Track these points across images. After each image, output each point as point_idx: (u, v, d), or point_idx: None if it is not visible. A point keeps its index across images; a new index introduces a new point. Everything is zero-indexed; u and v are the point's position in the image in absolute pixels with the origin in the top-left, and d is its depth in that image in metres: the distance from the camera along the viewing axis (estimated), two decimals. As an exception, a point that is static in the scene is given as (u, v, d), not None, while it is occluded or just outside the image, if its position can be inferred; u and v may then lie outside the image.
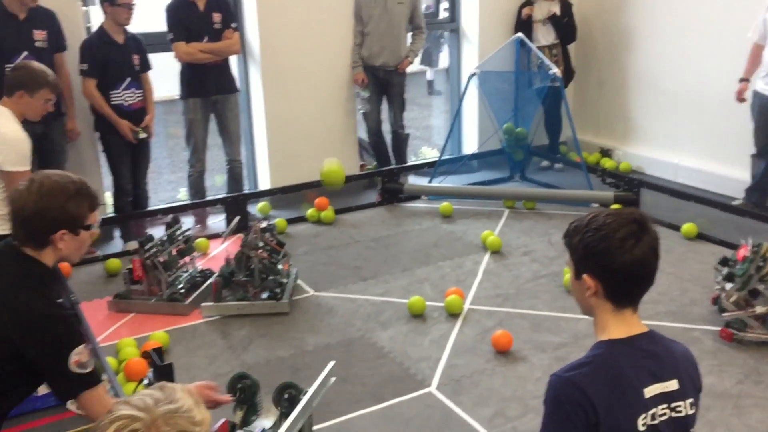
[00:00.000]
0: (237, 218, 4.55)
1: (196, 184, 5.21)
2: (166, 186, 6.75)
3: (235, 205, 5.10)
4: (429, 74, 10.75)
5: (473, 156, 6.30)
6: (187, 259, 4.23)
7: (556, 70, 5.66)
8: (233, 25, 5.00)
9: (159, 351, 2.73)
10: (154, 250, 3.99)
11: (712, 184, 5.68)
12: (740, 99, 5.12)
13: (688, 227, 4.77)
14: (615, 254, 1.62)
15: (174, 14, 4.90)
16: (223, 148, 5.32)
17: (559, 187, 5.80)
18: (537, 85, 6.01)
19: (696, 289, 4.06)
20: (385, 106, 6.03)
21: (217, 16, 4.94)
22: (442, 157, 6.04)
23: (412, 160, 6.77)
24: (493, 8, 6.29)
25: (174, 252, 4.12)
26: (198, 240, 4.80)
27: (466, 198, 5.65)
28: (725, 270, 3.65)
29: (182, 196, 5.85)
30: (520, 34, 5.90)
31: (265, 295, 3.96)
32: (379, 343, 3.62)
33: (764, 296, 3.43)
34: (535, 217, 5.30)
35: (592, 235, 1.66)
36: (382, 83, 5.88)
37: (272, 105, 5.52)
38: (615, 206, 5.13)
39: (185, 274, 4.18)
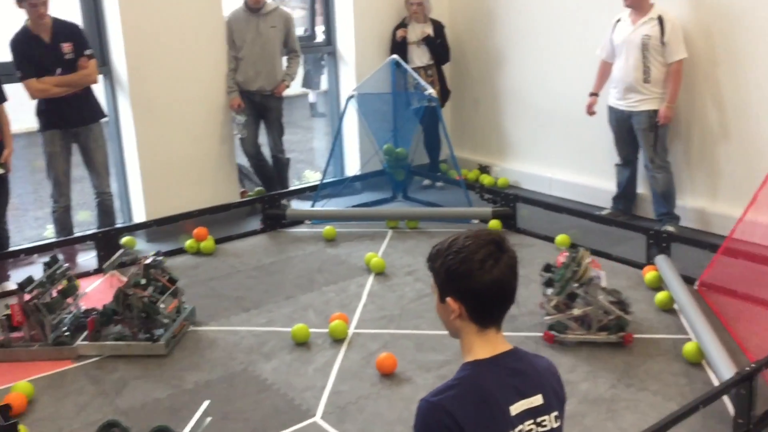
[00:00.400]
0: (120, 251, 4.31)
1: (62, 221, 4.92)
2: (32, 223, 6.35)
3: (107, 240, 4.85)
4: (311, 97, 10.72)
5: (355, 178, 6.31)
6: (70, 299, 3.97)
7: (431, 91, 5.77)
8: (87, 52, 4.75)
9: (4, 408, 2.51)
10: (35, 292, 3.72)
11: (583, 195, 5.94)
12: (590, 112, 5.43)
13: (561, 238, 4.95)
14: (475, 276, 1.64)
15: (18, 50, 4.61)
16: (90, 180, 5.05)
17: (441, 205, 5.90)
18: (414, 105, 6.10)
19: (571, 299, 4.19)
20: (264, 131, 5.95)
21: (67, 46, 4.68)
22: (324, 181, 6.01)
23: (295, 184, 6.70)
24: (368, 31, 6.36)
25: (55, 293, 3.86)
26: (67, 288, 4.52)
27: (349, 220, 5.63)
28: (546, 276, 3.84)
29: (49, 233, 5.50)
30: (395, 56, 5.98)
31: (144, 336, 3.76)
32: (263, 376, 3.51)
33: (581, 298, 3.63)
34: (418, 236, 5.35)
35: (452, 258, 1.67)
36: (260, 108, 5.79)
37: (144, 133, 5.31)
38: (493, 221, 5.28)
39: (69, 316, 3.91)
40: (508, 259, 1.67)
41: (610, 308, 3.62)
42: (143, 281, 3.82)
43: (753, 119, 4.83)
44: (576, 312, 3.64)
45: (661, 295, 4.03)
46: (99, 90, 5.31)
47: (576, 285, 3.64)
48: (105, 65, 5.30)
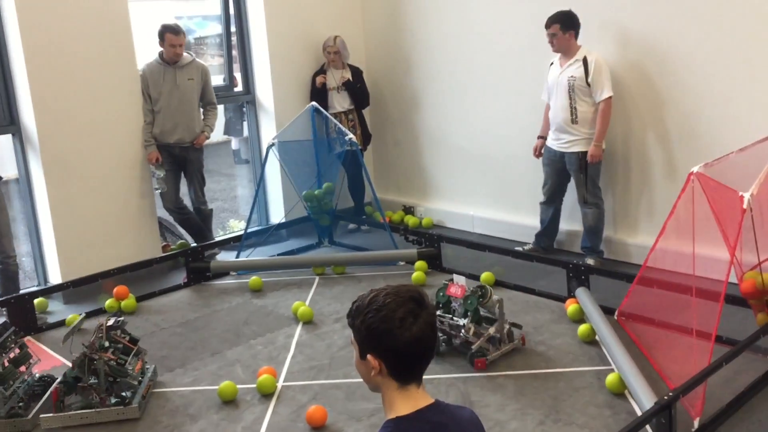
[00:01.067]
0: (82, 315, 4.06)
1: (-30, 287, 4.70)
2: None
3: (21, 306, 4.64)
4: (234, 143, 10.65)
5: (279, 225, 6.27)
6: (23, 368, 3.77)
7: (351, 136, 5.82)
8: None
9: None
10: None
11: (506, 232, 6.07)
12: (537, 154, 5.52)
13: (486, 276, 5.03)
14: (396, 334, 1.65)
15: None
16: None
17: (367, 248, 5.91)
18: (336, 150, 6.14)
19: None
20: (185, 183, 5.86)
21: None
22: (249, 230, 5.95)
23: (220, 234, 6.61)
24: (287, 78, 6.39)
25: (6, 363, 3.66)
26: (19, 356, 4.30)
27: (275, 269, 5.57)
28: (455, 310, 4.00)
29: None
30: (314, 103, 6.02)
31: (113, 401, 3.57)
32: (179, 438, 3.41)
33: (490, 319, 3.97)
34: (346, 281, 5.34)
35: (373, 317, 1.68)
36: (180, 160, 5.71)
37: (56, 192, 5.15)
38: (419, 262, 5.32)
39: (22, 385, 3.69)
40: (427, 315, 1.69)
41: (506, 321, 4.02)
42: (106, 344, 3.66)
43: (673, 151, 5.00)
44: (491, 332, 3.91)
45: (583, 328, 4.13)
46: (8, 148, 5.14)
47: (484, 310, 3.98)
48: (13, 124, 5.14)
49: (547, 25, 5.07)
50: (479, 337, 3.89)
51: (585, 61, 5.03)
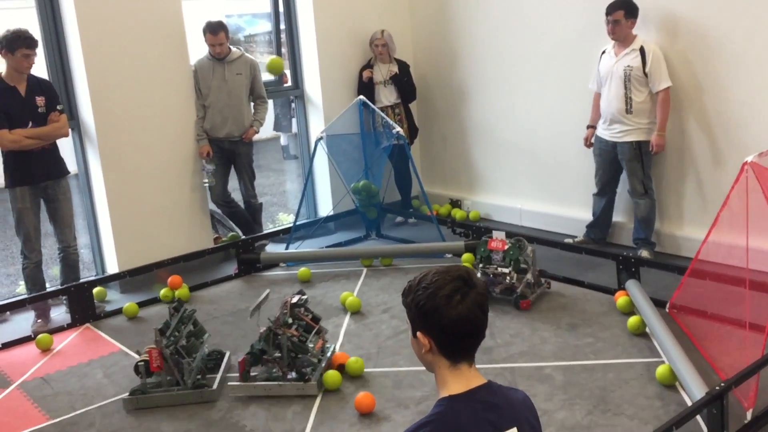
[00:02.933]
0: (267, 291, 4.13)
1: (33, 276, 4.88)
2: (3, 280, 6.29)
3: (80, 294, 4.82)
4: (283, 139, 10.80)
5: (327, 218, 6.35)
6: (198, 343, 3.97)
7: (399, 129, 5.86)
8: (59, 107, 4.80)
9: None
10: (173, 337, 3.75)
11: (553, 225, 6.04)
12: (588, 144, 5.49)
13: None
14: (442, 311, 1.67)
15: None
16: (55, 235, 5.00)
17: (414, 241, 5.95)
18: (383, 144, 6.19)
19: (545, 327, 4.25)
20: (235, 177, 5.98)
21: (40, 100, 4.72)
22: (297, 222, 6.04)
23: (269, 227, 6.72)
24: (334, 73, 6.46)
25: (191, 337, 3.89)
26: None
27: (324, 261, 5.65)
28: (498, 260, 4.62)
29: (21, 289, 5.45)
30: (361, 97, 6.07)
31: (292, 376, 3.72)
32: (241, 422, 3.49)
33: (523, 269, 4.59)
34: (393, 273, 5.38)
35: (421, 294, 1.71)
36: (229, 154, 5.83)
37: (113, 184, 5.32)
38: (466, 254, 5.33)
39: (197, 359, 3.87)
40: (476, 294, 1.70)
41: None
42: (290, 320, 3.79)
43: (726, 142, 4.91)
44: (529, 277, 4.57)
45: (633, 320, 4.10)
46: (68, 144, 5.33)
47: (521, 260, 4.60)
48: (73, 119, 5.32)
49: (610, 12, 5.00)
50: (520, 282, 4.51)
51: (642, 50, 4.97)
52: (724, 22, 4.78)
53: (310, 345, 3.77)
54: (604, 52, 5.21)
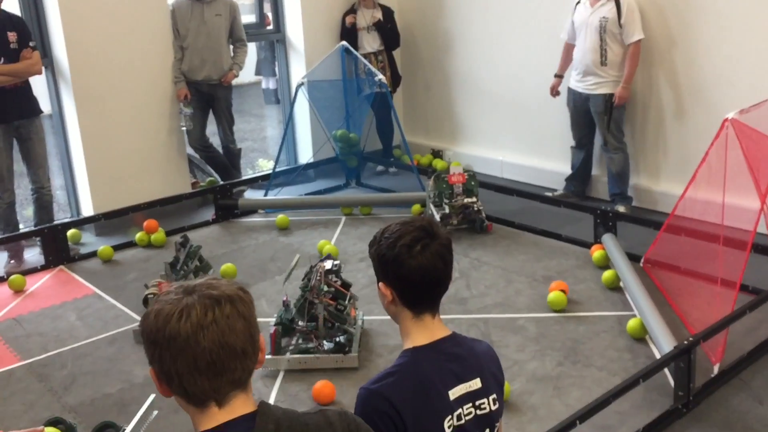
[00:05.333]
0: (298, 256, 3.91)
1: (6, 216, 4.81)
2: (-24, 220, 6.18)
3: (54, 235, 4.76)
4: (264, 83, 10.60)
5: (308, 166, 6.29)
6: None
7: (381, 77, 5.76)
8: (31, 44, 4.65)
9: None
10: (183, 271, 3.84)
11: (534, 178, 6.01)
12: (554, 93, 5.47)
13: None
14: (402, 261, 1.66)
15: None
16: (28, 176, 4.93)
17: (394, 190, 5.92)
18: (365, 91, 6.09)
19: (520, 279, 4.27)
20: (213, 121, 5.88)
21: (12, 36, 4.58)
22: (277, 169, 5.98)
23: (248, 173, 6.65)
24: (317, 17, 6.32)
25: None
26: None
27: (302, 209, 5.62)
28: (460, 192, 4.98)
29: (-6, 230, 5.38)
30: (344, 42, 5.95)
31: (328, 346, 3.45)
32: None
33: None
34: (372, 222, 5.37)
35: (383, 244, 1.71)
36: (207, 98, 5.72)
37: (88, 126, 5.21)
38: (415, 206, 5.36)
39: None
40: (438, 246, 1.69)
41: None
42: (325, 288, 3.47)
43: (705, 99, 4.89)
44: (479, 203, 5.01)
45: (607, 273, 4.12)
46: (41, 83, 5.19)
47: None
48: (46, 57, 5.17)
49: None
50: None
51: (618, 2, 4.90)
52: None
53: (346, 313, 3.49)
54: (579, 2, 5.14)
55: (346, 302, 3.50)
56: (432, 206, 5.00)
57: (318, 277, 3.48)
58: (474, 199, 4.96)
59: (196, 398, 1.28)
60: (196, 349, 1.23)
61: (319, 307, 3.43)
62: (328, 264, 3.57)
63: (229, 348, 1.25)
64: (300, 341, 3.49)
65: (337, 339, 3.47)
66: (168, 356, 1.25)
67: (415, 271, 1.65)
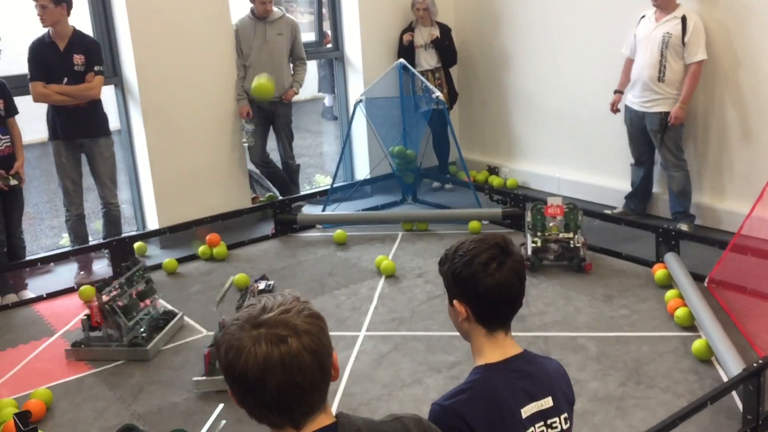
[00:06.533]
0: (230, 279, 4.06)
1: (76, 229, 5.00)
2: (47, 232, 6.44)
3: (121, 248, 4.92)
4: (327, 100, 10.75)
5: (365, 182, 6.35)
6: (147, 301, 4.10)
7: (438, 93, 5.81)
8: (96, 68, 4.81)
9: (24, 415, 2.58)
10: (114, 294, 3.86)
11: (592, 195, 5.95)
12: (614, 110, 5.41)
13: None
14: (479, 279, 1.67)
15: (34, 54, 4.72)
16: (97, 191, 5.13)
17: (451, 207, 5.93)
18: (422, 108, 6.15)
19: (580, 297, 4.23)
20: (273, 137, 6.01)
21: (78, 58, 4.75)
22: (334, 185, 6.06)
23: (306, 189, 6.76)
24: (375, 35, 6.41)
25: (133, 295, 4.00)
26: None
27: (360, 224, 5.68)
28: (549, 228, 4.67)
29: (65, 241, 5.59)
30: (402, 60, 6.02)
31: None
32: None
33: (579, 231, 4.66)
34: (428, 238, 5.39)
35: (458, 262, 1.71)
36: (268, 114, 5.85)
37: (155, 142, 5.39)
38: (473, 223, 5.38)
39: (146, 317, 4.03)
40: (513, 263, 1.70)
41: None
42: None
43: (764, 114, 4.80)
44: (584, 239, 4.62)
45: (670, 293, 4.05)
46: (111, 101, 5.39)
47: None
48: (116, 76, 5.38)
49: None
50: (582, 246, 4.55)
51: (684, 19, 4.83)
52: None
53: None
54: (643, 17, 5.08)
55: None
56: (529, 238, 4.67)
57: (250, 297, 3.60)
58: (571, 235, 4.60)
59: (272, 425, 1.31)
60: (264, 391, 1.24)
61: None
62: (261, 284, 3.71)
63: (296, 386, 1.25)
64: None
65: None
66: (238, 391, 1.28)
67: (493, 289, 1.66)
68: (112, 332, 3.86)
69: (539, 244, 4.60)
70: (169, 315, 4.15)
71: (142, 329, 3.94)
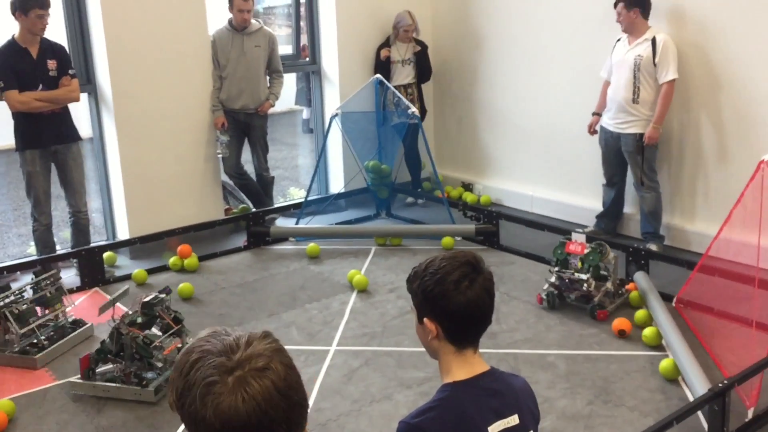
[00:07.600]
0: (125, 287, 4.03)
1: (44, 239, 4.92)
2: (15, 240, 6.34)
3: (90, 257, 4.86)
4: (305, 113, 10.72)
5: (339, 195, 6.35)
6: (48, 309, 4.05)
7: (414, 108, 5.84)
8: (71, 71, 4.79)
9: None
10: (9, 300, 3.82)
11: (564, 213, 6.01)
12: (591, 131, 5.47)
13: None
14: (450, 297, 1.67)
15: (4, 61, 4.62)
16: (66, 199, 5.05)
17: (424, 222, 5.95)
18: (395, 122, 6.17)
19: (550, 316, 4.25)
20: (248, 149, 5.98)
21: (51, 63, 4.72)
22: (308, 198, 6.05)
23: (280, 202, 6.74)
24: (352, 50, 6.43)
25: (30, 302, 3.96)
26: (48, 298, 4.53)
27: (333, 238, 5.67)
28: (576, 264, 4.30)
29: (32, 250, 5.50)
30: (378, 75, 6.05)
31: (152, 376, 3.52)
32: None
33: (603, 276, 4.30)
34: (401, 253, 5.39)
35: (428, 279, 1.71)
36: (243, 126, 5.83)
37: (127, 151, 5.34)
38: (446, 239, 5.40)
39: (50, 324, 4.00)
40: (484, 280, 1.71)
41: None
42: (140, 320, 3.57)
43: (750, 141, 4.84)
44: (609, 286, 4.24)
45: (639, 313, 4.09)
46: (83, 108, 5.34)
47: (601, 267, 4.30)
48: (89, 83, 5.33)
49: (615, 3, 5.00)
50: (598, 290, 4.20)
51: (654, 41, 4.93)
52: (737, 15, 4.71)
53: (158, 347, 3.55)
54: (618, 41, 5.17)
55: (163, 336, 3.59)
56: (552, 272, 4.38)
57: (135, 309, 3.62)
58: (585, 277, 4.21)
59: None
60: None
61: (127, 338, 3.49)
62: (149, 297, 3.71)
63: None
64: (114, 371, 3.54)
65: (143, 374, 3.51)
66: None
67: (464, 307, 1.67)
68: (9, 338, 3.85)
69: (553, 279, 4.31)
70: (77, 324, 4.11)
71: (43, 337, 3.92)
